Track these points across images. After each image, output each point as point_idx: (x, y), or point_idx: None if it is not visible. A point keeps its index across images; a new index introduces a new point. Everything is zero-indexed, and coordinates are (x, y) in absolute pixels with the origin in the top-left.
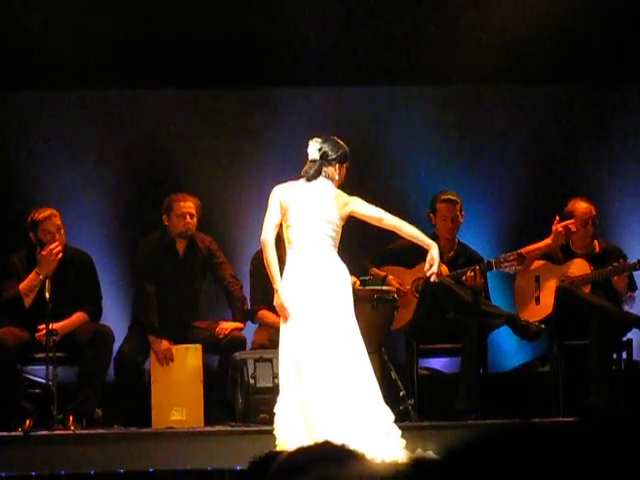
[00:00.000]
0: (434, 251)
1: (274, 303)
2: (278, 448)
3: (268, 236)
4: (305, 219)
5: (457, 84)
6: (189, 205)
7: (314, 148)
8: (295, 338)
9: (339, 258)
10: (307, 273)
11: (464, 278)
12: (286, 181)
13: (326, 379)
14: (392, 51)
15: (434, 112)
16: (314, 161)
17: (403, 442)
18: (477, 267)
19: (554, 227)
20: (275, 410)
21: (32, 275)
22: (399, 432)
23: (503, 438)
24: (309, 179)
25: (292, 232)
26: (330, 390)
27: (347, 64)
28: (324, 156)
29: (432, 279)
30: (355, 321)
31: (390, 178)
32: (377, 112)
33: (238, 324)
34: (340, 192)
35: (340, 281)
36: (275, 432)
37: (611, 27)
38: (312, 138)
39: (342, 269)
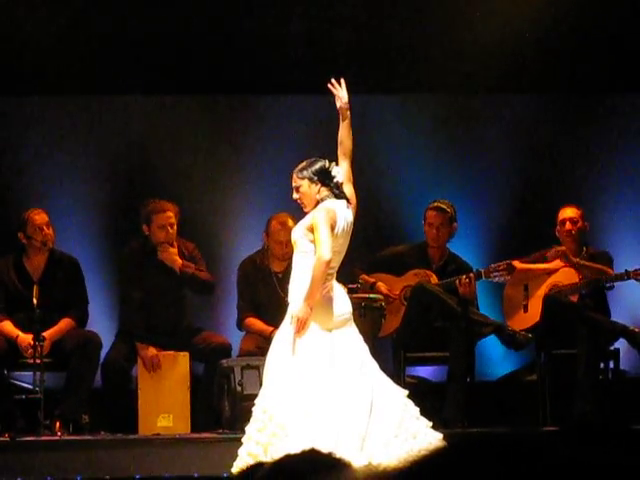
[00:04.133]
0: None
1: (298, 313)
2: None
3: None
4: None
5: (447, 94)
6: (169, 215)
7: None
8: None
9: None
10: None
11: (458, 283)
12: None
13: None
14: (383, 60)
15: (424, 122)
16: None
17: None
18: (472, 274)
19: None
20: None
21: (13, 333)
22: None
23: (489, 447)
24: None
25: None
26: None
27: (338, 72)
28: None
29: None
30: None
31: (381, 189)
32: (366, 121)
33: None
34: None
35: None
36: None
37: (597, 37)
38: (332, 161)
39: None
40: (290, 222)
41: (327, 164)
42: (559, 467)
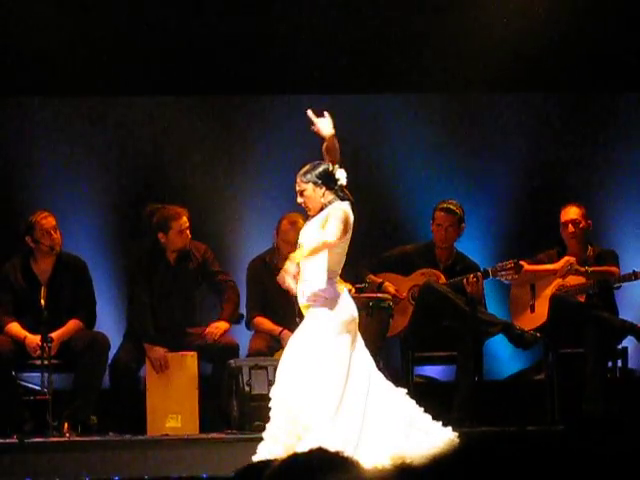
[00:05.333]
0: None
1: (286, 269)
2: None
3: None
4: None
5: (453, 94)
6: (185, 220)
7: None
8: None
9: None
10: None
11: (466, 282)
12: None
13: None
14: (388, 59)
15: (431, 122)
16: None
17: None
18: (479, 273)
19: (567, 258)
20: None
21: (20, 334)
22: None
23: (497, 446)
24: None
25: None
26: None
27: (343, 72)
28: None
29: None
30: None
31: (387, 187)
32: (372, 120)
33: (224, 325)
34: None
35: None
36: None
37: (600, 36)
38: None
39: None
40: (301, 222)
41: (330, 167)
42: (567, 465)
